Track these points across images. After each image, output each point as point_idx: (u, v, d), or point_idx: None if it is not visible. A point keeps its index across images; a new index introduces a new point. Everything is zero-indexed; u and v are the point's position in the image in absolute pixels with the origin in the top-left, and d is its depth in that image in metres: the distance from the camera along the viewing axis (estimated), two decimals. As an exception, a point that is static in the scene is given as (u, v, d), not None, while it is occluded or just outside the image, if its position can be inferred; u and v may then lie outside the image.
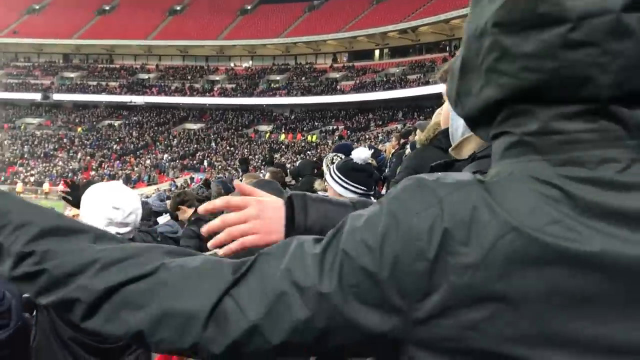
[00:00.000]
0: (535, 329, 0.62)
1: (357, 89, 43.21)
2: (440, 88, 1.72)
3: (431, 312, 0.65)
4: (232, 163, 36.99)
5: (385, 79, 42.67)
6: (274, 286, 0.71)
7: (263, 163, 9.46)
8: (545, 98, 0.66)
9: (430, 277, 0.65)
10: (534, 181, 0.66)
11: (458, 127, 1.45)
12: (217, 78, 50.42)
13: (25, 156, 44.64)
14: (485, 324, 0.63)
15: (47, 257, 0.81)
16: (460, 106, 0.78)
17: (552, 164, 0.66)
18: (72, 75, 52.94)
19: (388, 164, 6.89)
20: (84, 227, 0.85)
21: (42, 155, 44.73)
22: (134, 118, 49.29)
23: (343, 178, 2.84)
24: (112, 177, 36.06)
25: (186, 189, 12.27)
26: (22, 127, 48.98)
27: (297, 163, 8.32)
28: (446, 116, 1.62)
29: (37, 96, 50.24)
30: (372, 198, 2.97)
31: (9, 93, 50.33)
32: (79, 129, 48.19)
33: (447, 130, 1.56)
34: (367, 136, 36.37)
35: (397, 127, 31.34)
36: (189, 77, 50.92)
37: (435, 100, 2.52)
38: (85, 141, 46.33)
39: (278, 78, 48.49)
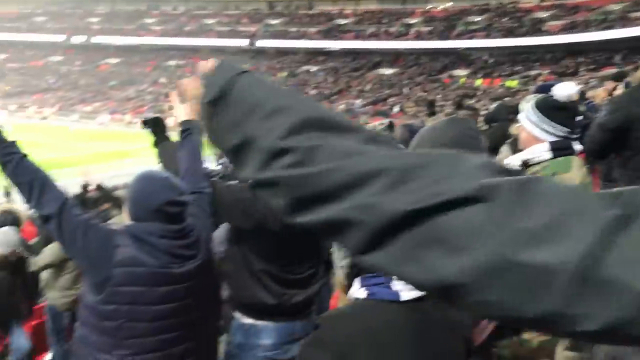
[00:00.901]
0: None
1: (567, 29, 39.05)
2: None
3: None
4: (424, 109, 36.23)
5: (602, 18, 37.89)
6: None
7: (454, 107, 8.85)
8: None
9: None
10: None
11: None
12: (413, 21, 49.07)
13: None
14: None
15: (313, 158, 0.58)
16: None
17: None
18: (275, 22, 55.53)
19: (600, 111, 5.92)
20: (352, 124, 0.63)
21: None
22: (330, 64, 50.47)
23: (542, 117, 2.30)
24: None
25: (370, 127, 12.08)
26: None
27: (492, 107, 7.57)
28: None
29: (244, 42, 53.78)
30: (577, 144, 2.40)
31: (220, 39, 54.40)
32: (280, 75, 50.82)
33: None
34: (576, 82, 32.85)
35: (613, 72, 27.76)
36: (385, 21, 50.40)
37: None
38: (285, 87, 48.74)
39: (477, 19, 45.71)
